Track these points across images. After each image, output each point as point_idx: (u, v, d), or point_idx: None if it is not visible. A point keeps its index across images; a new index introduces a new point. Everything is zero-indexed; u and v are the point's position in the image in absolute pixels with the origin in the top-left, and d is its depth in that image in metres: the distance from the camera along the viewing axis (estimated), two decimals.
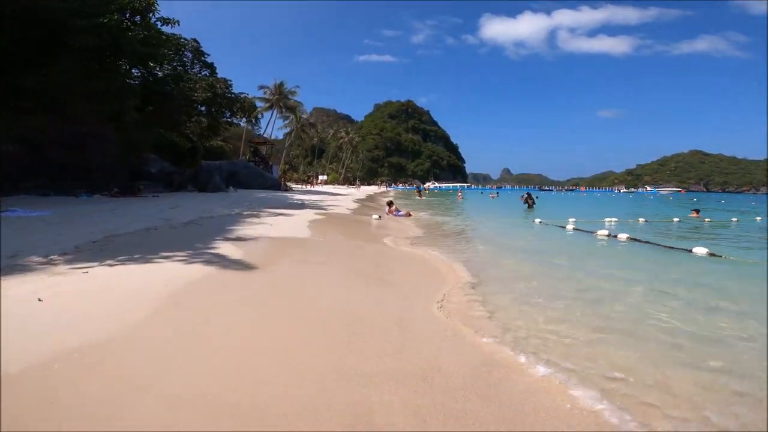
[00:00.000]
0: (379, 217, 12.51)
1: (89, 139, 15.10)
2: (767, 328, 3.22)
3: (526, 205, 19.61)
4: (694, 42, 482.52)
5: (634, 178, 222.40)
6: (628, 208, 25.40)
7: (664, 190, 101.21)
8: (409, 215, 13.89)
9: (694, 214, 16.00)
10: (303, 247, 6.44)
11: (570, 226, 10.32)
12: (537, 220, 12.01)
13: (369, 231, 9.85)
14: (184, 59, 25.15)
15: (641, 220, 14.26)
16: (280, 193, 24.35)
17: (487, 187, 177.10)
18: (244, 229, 7.61)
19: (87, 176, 15.62)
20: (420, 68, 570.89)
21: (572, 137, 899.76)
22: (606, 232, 8.97)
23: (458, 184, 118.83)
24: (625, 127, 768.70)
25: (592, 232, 9.35)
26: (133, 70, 21.95)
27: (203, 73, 25.88)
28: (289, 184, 37.87)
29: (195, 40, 25.86)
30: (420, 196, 34.05)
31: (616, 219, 13.78)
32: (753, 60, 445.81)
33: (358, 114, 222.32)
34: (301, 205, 15.91)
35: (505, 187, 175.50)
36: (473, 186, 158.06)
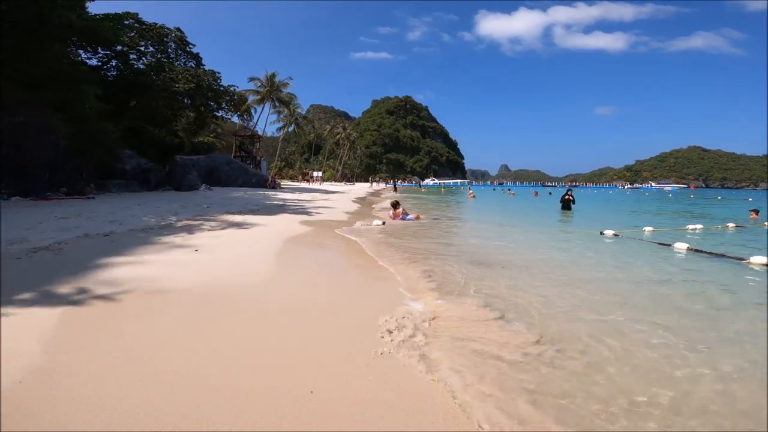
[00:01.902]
0: (383, 222, 9.63)
1: (27, 132, 12.36)
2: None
3: (560, 204, 15.97)
4: (690, 39, 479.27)
5: (633, 174, 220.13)
6: (671, 211, 21.93)
7: (679, 186, 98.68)
8: (419, 218, 11.24)
9: (754, 215, 14.28)
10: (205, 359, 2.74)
11: (681, 245, 6.68)
12: (610, 233, 8.36)
13: (394, 260, 6.15)
14: (168, 50, 23.17)
15: (730, 225, 10.75)
16: (261, 192, 20.66)
17: (489, 183, 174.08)
18: (128, 264, 3.94)
19: (25, 174, 12.52)
20: (417, 65, 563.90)
21: (570, 134, 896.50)
22: (764, 259, 5.38)
23: (459, 181, 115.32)
24: (622, 123, 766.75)
25: (739, 259, 5.73)
26: (113, 61, 19.62)
27: (189, 65, 23.86)
28: (279, 181, 34.33)
29: (179, 29, 23.74)
30: (395, 191, 35.44)
31: (701, 226, 10.23)
32: (750, 56, 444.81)
33: (356, 111, 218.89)
34: (281, 208, 12.26)
35: (506, 183, 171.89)
36: (474, 182, 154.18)
